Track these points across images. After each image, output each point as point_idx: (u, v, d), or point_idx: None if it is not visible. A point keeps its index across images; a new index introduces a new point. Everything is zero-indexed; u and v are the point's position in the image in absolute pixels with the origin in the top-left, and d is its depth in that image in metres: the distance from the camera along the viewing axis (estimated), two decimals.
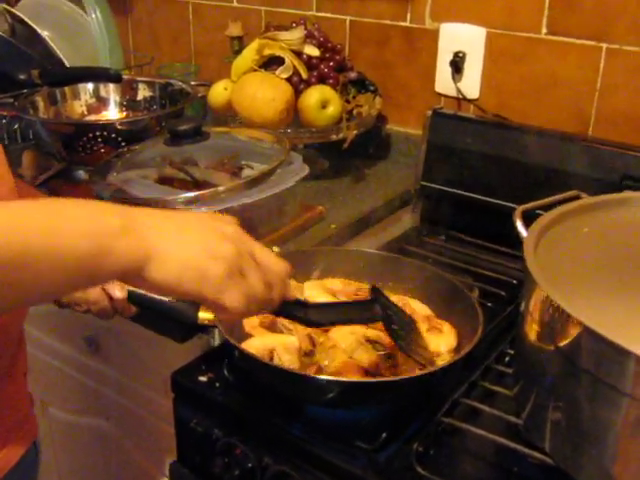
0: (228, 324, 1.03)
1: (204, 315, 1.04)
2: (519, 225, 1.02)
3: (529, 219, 1.01)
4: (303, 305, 0.93)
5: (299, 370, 1.03)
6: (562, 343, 0.82)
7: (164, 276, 0.71)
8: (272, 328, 1.12)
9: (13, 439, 1.00)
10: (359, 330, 1.09)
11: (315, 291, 1.19)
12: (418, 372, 1.01)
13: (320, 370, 1.03)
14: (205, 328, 1.16)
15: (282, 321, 1.11)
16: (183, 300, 1.00)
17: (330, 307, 1.04)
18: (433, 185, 1.61)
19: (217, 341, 1.19)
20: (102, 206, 0.71)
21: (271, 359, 1.04)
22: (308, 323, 0.94)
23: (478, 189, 1.54)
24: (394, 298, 1.14)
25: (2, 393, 0.98)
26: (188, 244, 0.73)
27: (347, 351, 1.05)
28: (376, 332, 1.09)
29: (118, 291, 1.01)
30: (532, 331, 0.89)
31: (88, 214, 0.69)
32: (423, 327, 1.10)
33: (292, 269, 0.84)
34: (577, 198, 1.09)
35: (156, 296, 1.04)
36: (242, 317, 0.82)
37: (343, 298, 1.18)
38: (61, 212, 0.68)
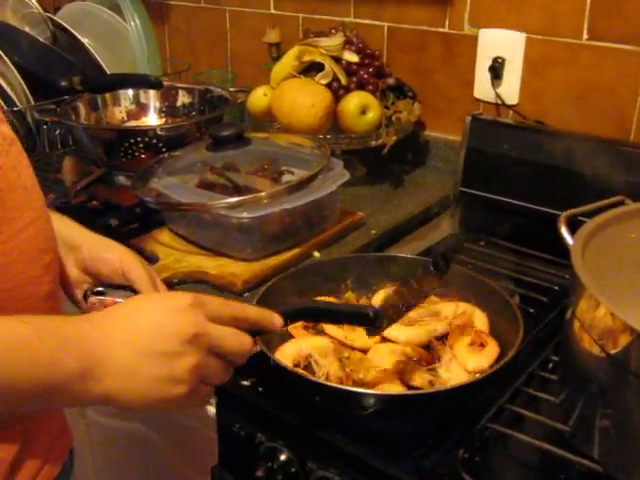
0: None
1: None
2: (564, 231, 1.00)
3: (572, 226, 1.00)
4: None
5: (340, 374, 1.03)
6: (612, 349, 0.81)
7: (128, 407, 0.78)
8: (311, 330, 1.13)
9: (56, 450, 0.99)
10: (397, 348, 1.08)
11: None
12: (461, 382, 1.00)
13: (356, 383, 1.02)
14: None
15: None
16: None
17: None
18: (472, 191, 1.60)
19: (259, 345, 1.19)
20: (63, 345, 0.73)
21: (307, 366, 1.04)
22: None
23: (517, 195, 1.54)
24: (455, 306, 1.15)
25: None
26: (146, 382, 0.77)
27: (393, 372, 1.03)
28: (415, 350, 1.08)
29: None
30: (580, 337, 0.88)
31: (48, 356, 0.72)
32: (465, 341, 1.08)
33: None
34: (622, 204, 1.08)
35: None
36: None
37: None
38: (23, 352, 0.71)
